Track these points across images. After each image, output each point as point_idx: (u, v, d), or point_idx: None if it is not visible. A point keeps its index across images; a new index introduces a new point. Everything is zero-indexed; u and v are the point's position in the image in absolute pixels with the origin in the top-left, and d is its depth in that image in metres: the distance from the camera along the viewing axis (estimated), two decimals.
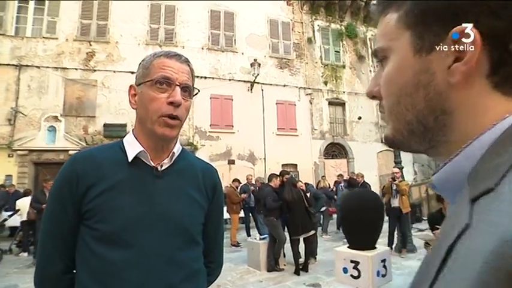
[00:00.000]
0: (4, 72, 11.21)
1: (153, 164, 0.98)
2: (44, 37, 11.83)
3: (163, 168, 1.00)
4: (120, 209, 0.91)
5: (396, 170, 6.95)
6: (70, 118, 11.48)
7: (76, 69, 11.86)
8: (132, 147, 0.99)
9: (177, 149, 1.03)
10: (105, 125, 11.56)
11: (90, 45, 12.14)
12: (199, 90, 1.06)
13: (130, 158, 0.97)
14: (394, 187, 6.68)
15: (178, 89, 0.95)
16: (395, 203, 6.68)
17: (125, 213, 0.91)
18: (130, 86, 1.02)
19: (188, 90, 1.00)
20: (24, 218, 7.34)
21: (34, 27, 11.92)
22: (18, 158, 10.69)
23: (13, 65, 11.31)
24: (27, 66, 11.43)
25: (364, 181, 9.62)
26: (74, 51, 11.96)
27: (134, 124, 1.05)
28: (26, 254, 7.31)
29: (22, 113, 11.02)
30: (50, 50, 11.79)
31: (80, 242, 0.93)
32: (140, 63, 1.02)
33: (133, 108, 1.02)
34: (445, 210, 3.40)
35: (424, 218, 10.69)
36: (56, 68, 11.68)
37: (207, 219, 1.07)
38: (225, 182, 10.44)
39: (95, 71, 11.94)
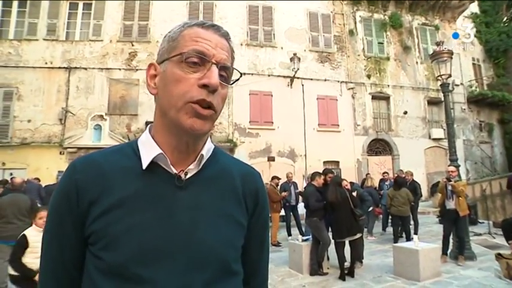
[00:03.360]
0: (56, 75, 11.94)
1: (174, 170, 0.74)
2: (90, 40, 12.41)
3: (188, 176, 0.75)
4: (130, 233, 0.68)
5: (452, 168, 6.31)
6: (114, 117, 11.91)
7: (119, 69, 12.27)
8: (148, 149, 0.75)
9: (207, 150, 0.78)
10: (146, 123, 11.82)
11: (132, 45, 12.50)
12: (241, 74, 0.79)
13: (144, 164, 0.73)
14: (449, 187, 6.09)
15: (215, 68, 0.71)
16: (450, 205, 6.09)
17: (137, 238, 0.68)
18: (150, 65, 0.78)
19: (226, 74, 0.75)
20: None
21: (82, 31, 12.59)
22: (68, 155, 11.26)
23: (64, 67, 12.00)
24: (75, 68, 12.05)
25: (413, 179, 9.01)
26: (117, 52, 12.39)
27: (154, 117, 0.80)
28: None
29: (71, 113, 11.63)
30: (96, 52, 12.31)
31: (84, 274, 0.71)
32: (165, 36, 0.78)
33: (152, 93, 0.78)
34: None
35: (480, 221, 9.85)
36: (101, 68, 12.17)
37: (248, 239, 0.82)
38: (265, 179, 10.30)
39: (137, 70, 12.26)
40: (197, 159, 0.77)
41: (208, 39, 0.73)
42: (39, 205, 6.48)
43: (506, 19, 19.34)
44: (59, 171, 10.96)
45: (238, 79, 0.79)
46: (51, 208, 0.75)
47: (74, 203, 0.71)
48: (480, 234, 8.08)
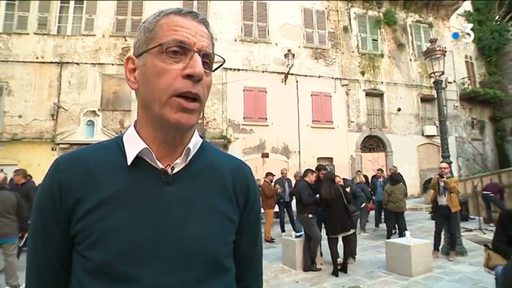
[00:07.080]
0: (48, 69, 11.77)
1: (161, 165, 0.71)
2: (82, 34, 12.26)
3: (175, 171, 0.73)
4: (116, 231, 0.66)
5: (444, 165, 6.37)
6: (107, 112, 11.81)
7: (112, 64, 12.16)
8: (132, 144, 0.72)
9: (193, 143, 0.75)
10: None
11: (125, 40, 12.37)
12: (224, 60, 0.76)
13: (129, 160, 0.71)
14: (442, 184, 6.14)
15: (197, 56, 0.68)
16: (442, 201, 6.15)
17: (123, 236, 0.65)
18: (128, 58, 0.74)
19: (209, 61, 0.72)
20: None
21: (74, 26, 12.42)
22: (60, 151, 11.12)
23: (55, 62, 11.84)
24: (67, 63, 11.91)
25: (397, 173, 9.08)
26: (110, 47, 12.28)
27: (137, 112, 0.77)
28: None
29: (63, 108, 11.50)
30: (88, 47, 12.17)
31: (72, 275, 0.69)
32: (140, 26, 0.74)
33: (132, 88, 0.75)
34: None
35: (471, 217, 9.95)
36: (94, 64, 12.04)
37: (240, 234, 0.79)
38: (259, 176, 10.30)
39: None
40: (183, 153, 0.74)
41: (187, 27, 0.70)
42: None
43: (499, 17, 19.51)
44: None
45: (221, 65, 0.76)
46: (35, 207, 0.72)
47: (58, 203, 0.68)
48: (471, 230, 8.18)
